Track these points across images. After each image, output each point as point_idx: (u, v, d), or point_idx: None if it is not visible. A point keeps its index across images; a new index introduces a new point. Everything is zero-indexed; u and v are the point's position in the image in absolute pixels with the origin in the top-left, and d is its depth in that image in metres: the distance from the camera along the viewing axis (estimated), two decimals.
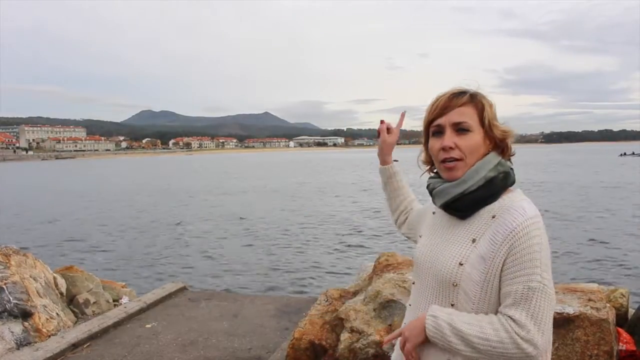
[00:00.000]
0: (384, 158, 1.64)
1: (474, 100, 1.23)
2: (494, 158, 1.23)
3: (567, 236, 12.51)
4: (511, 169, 1.25)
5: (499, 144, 1.25)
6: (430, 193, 1.32)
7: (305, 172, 49.44)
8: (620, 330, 3.04)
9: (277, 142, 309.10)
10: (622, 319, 3.29)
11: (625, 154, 76.27)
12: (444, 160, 1.24)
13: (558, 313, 2.77)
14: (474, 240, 1.18)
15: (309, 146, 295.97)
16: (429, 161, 1.36)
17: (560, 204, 19.02)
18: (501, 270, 1.13)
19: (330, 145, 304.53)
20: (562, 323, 2.75)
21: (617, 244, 11.43)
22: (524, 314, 1.09)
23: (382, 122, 1.61)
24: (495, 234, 1.15)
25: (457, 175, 1.23)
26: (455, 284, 1.18)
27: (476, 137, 1.22)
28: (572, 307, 2.80)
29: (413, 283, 1.38)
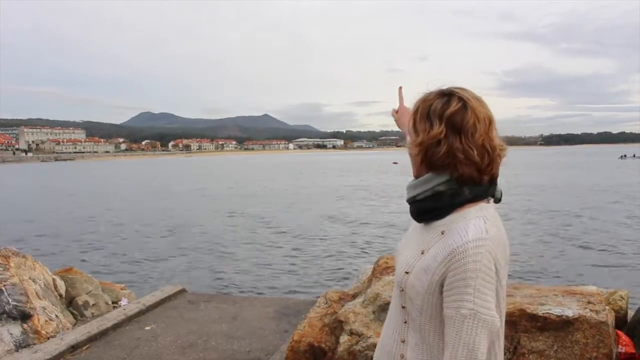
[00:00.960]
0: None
1: (415, 105, 1.22)
2: (445, 176, 1.16)
3: (566, 238, 12.53)
4: (469, 188, 1.15)
5: (435, 159, 1.15)
6: None
7: (304, 175, 49.44)
8: (620, 332, 3.04)
9: (277, 144, 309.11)
10: (621, 322, 3.29)
11: (625, 156, 76.13)
12: None
13: (557, 315, 2.77)
14: (422, 252, 1.18)
15: (308, 148, 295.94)
16: None
17: (560, 206, 19.04)
18: (441, 287, 1.12)
19: (329, 148, 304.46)
20: (561, 325, 2.75)
21: (616, 246, 11.45)
22: (460, 344, 1.08)
23: (394, 112, 1.69)
24: (439, 251, 1.14)
25: (412, 170, 1.26)
26: (402, 289, 1.22)
27: (410, 138, 1.24)
28: (571, 310, 2.80)
29: None
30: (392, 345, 1.28)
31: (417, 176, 1.24)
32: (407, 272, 1.19)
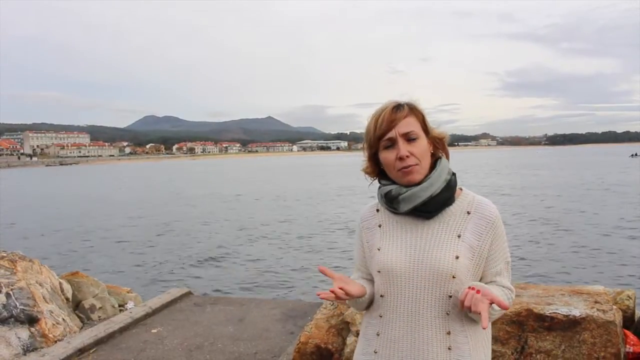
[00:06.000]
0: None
1: (414, 111, 1.36)
2: (446, 162, 1.39)
3: (573, 238, 12.47)
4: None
5: (437, 145, 1.40)
6: (395, 198, 1.36)
7: (310, 177, 49.43)
8: (627, 332, 3.03)
9: (281, 146, 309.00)
10: (628, 321, 3.28)
11: (636, 154, 75.31)
12: (401, 168, 1.33)
13: (564, 315, 2.76)
14: (459, 236, 1.33)
15: (312, 150, 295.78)
16: (374, 172, 1.45)
17: (567, 206, 18.96)
18: (487, 252, 1.34)
19: (333, 149, 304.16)
20: (569, 325, 2.74)
21: (624, 246, 11.39)
22: (509, 283, 1.39)
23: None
24: (478, 226, 1.34)
25: (416, 178, 1.33)
26: (454, 276, 1.30)
27: (423, 142, 1.35)
28: (578, 310, 2.79)
29: (381, 296, 1.37)
30: (431, 344, 1.31)
31: (417, 179, 1.33)
32: (457, 257, 1.30)
